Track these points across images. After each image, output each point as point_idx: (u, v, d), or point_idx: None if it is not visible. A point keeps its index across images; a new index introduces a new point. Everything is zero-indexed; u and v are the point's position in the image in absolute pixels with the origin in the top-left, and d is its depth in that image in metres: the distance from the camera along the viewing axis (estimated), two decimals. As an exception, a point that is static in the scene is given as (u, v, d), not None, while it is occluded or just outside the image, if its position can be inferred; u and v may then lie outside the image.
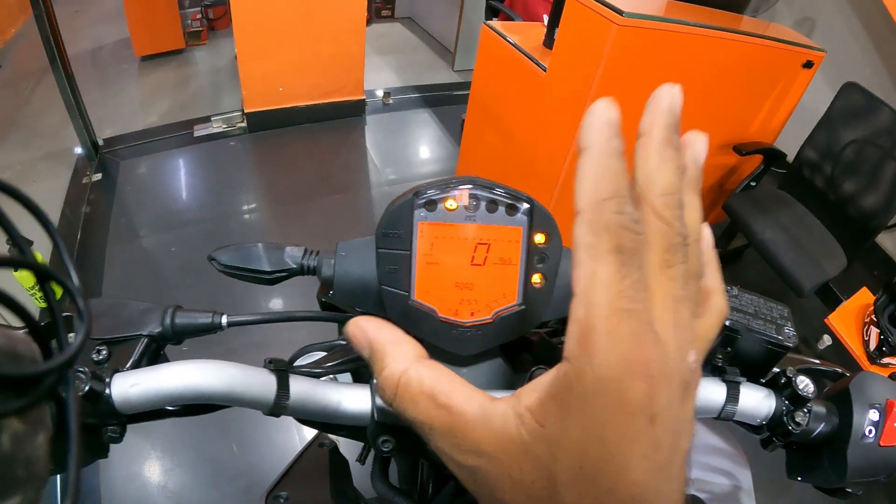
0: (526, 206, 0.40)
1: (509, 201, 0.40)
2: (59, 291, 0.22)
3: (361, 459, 0.92)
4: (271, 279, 0.44)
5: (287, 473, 0.76)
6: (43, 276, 0.20)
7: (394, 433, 0.38)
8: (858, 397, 0.41)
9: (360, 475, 0.80)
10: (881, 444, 0.39)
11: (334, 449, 0.79)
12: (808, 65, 2.15)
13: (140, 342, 0.40)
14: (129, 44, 3.81)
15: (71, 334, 0.21)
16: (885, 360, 1.75)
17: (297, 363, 0.50)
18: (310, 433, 1.54)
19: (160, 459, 1.69)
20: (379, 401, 0.38)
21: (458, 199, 0.39)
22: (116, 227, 2.51)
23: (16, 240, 0.19)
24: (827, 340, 2.19)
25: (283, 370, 0.37)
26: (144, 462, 1.68)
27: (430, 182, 0.39)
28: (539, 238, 0.40)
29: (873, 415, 0.40)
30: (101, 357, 0.39)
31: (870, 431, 0.40)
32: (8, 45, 3.92)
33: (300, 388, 0.37)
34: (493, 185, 0.40)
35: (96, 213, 2.59)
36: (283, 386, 0.37)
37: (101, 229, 2.49)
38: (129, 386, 0.35)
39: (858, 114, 2.08)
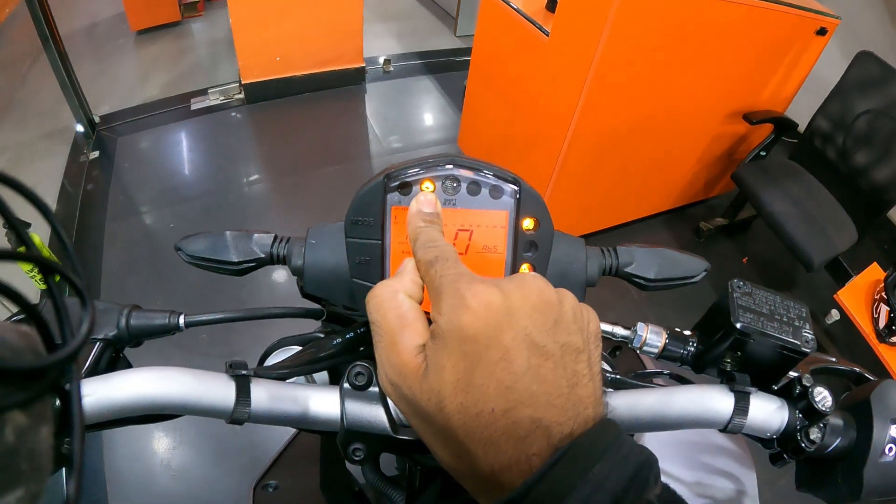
0: (513, 187, 0.36)
1: (493, 182, 0.36)
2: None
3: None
4: (239, 270, 0.41)
5: (276, 461, 0.74)
6: (47, 270, 0.20)
7: (365, 440, 0.35)
8: (880, 411, 0.36)
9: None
10: None
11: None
12: (822, 32, 2.07)
13: (95, 346, 0.37)
14: (124, 18, 3.72)
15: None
16: (895, 338, 1.71)
17: (272, 356, 0.47)
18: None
19: (163, 438, 1.69)
20: (349, 406, 0.34)
21: (435, 180, 0.35)
22: (115, 205, 2.48)
23: (18, 230, 0.19)
24: (835, 315, 2.14)
25: (242, 375, 0.34)
26: (147, 440, 1.68)
27: (403, 162, 0.35)
28: (527, 223, 0.36)
29: (895, 431, 0.36)
30: None
31: (890, 449, 0.36)
32: (3, 25, 3.85)
33: (263, 394, 0.34)
34: (476, 163, 0.36)
35: (94, 190, 2.55)
36: (243, 392, 0.33)
37: (100, 207, 2.46)
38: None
39: (872, 84, 2.00)
